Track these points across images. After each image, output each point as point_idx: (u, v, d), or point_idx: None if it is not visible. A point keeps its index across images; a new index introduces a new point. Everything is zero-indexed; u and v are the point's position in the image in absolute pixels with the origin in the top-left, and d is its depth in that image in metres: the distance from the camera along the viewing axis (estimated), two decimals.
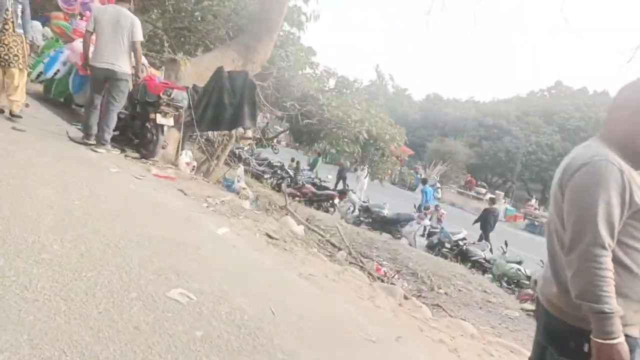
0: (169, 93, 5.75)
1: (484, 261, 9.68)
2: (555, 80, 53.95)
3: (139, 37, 5.21)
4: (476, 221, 13.01)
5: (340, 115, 8.87)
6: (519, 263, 9.55)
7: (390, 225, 11.86)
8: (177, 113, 5.95)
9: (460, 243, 10.30)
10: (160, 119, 5.66)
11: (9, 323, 2.00)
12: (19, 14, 4.95)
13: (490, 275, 9.16)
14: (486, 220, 12.77)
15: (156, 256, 3.00)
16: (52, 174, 3.92)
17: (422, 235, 12.35)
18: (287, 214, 6.07)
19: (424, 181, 18.31)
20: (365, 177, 15.09)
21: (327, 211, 12.31)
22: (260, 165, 15.13)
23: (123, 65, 5.17)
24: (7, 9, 4.82)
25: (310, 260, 3.97)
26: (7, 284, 2.28)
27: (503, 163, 40.03)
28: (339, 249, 5.24)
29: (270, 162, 16.59)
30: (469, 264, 9.60)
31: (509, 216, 24.09)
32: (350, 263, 4.58)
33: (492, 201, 14.57)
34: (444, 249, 10.16)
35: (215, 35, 10.20)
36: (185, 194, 4.67)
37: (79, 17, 8.04)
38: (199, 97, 6.85)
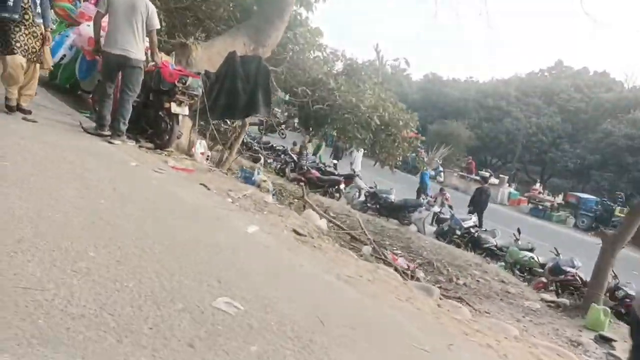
0: (184, 81, 5.53)
1: (495, 249, 9.64)
2: (556, 60, 53.31)
3: (156, 24, 4.97)
4: (471, 202, 13.04)
5: (353, 101, 8.66)
6: (531, 250, 9.52)
7: (398, 211, 11.77)
8: (192, 101, 5.74)
9: (472, 230, 10.23)
10: (175, 108, 5.46)
11: (60, 344, 1.86)
12: (37, 1, 4.60)
13: (503, 263, 9.13)
14: (479, 199, 12.81)
15: (194, 261, 2.87)
16: (72, 171, 3.75)
17: (431, 223, 12.29)
18: (305, 206, 5.93)
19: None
20: (359, 153, 14.85)
21: (332, 197, 12.19)
22: (263, 149, 14.93)
23: (138, 52, 4.93)
24: None
25: (341, 258, 3.85)
26: (49, 298, 2.14)
27: (503, 145, 39.86)
28: (363, 243, 5.13)
29: (273, 146, 16.38)
30: (481, 252, 9.56)
31: (512, 200, 23.94)
32: (377, 258, 4.48)
33: (484, 180, 14.55)
34: (455, 237, 10.09)
35: (219, 16, 9.85)
36: (208, 189, 4.52)
37: None
38: (211, 83, 6.62)
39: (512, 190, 25.01)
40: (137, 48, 4.91)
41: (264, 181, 5.79)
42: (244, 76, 6.81)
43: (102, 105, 4.99)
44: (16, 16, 4.40)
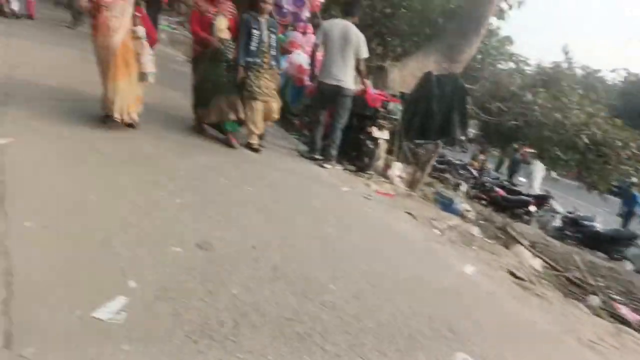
0: (386, 106, 5.64)
1: None
2: None
3: (365, 53, 5.17)
4: None
5: (557, 117, 7.74)
6: None
7: (607, 243, 10.00)
8: (391, 126, 5.82)
9: None
10: (376, 132, 5.61)
11: None
12: (274, 44, 4.84)
13: None
14: None
15: (423, 304, 2.85)
16: (299, 197, 4.10)
17: None
18: (508, 238, 5.48)
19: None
20: (537, 167, 13.05)
21: (520, 219, 11.00)
22: (440, 163, 14.36)
23: (349, 81, 5.20)
24: (263, 41, 4.73)
25: (572, 313, 3.39)
26: (307, 331, 2.31)
27: None
28: (584, 290, 4.48)
29: (450, 160, 15.63)
30: None
31: None
32: (608, 313, 3.84)
33: None
34: None
35: (402, 32, 9.85)
36: (414, 218, 4.50)
37: (291, 29, 8.52)
38: (407, 105, 6.63)
39: None
40: (348, 77, 5.19)
41: (468, 211, 5.54)
42: (440, 97, 6.65)
43: (315, 131, 5.41)
44: (258, 60, 4.74)
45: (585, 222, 10.20)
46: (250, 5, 4.76)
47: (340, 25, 5.26)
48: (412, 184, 6.29)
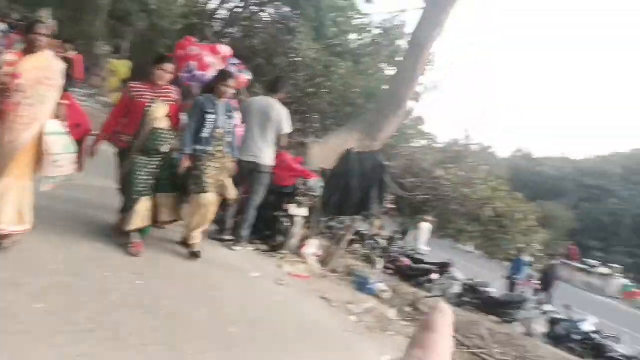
0: (306, 182, 5.46)
1: (624, 359, 8.02)
2: None
3: (287, 129, 4.99)
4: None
5: (466, 192, 8.18)
6: None
7: (501, 307, 10.48)
8: (311, 202, 5.62)
9: (592, 336, 8.70)
10: (293, 210, 5.35)
11: None
12: (230, 129, 4.20)
13: None
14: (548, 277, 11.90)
15: None
16: (199, 289, 3.58)
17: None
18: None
19: None
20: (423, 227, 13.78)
21: (423, 287, 11.14)
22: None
23: (266, 158, 4.93)
24: (217, 127, 4.05)
25: None
26: None
27: (605, 228, 35.79)
28: None
29: (358, 230, 15.80)
30: None
31: (626, 292, 20.73)
32: None
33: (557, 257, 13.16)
34: (573, 343, 8.61)
35: (333, 111, 10.10)
36: (329, 303, 4.18)
37: None
38: (326, 181, 6.53)
39: (626, 282, 21.72)
40: (266, 154, 4.91)
41: (384, 291, 5.34)
42: (360, 173, 6.64)
43: (226, 210, 4.96)
44: (210, 149, 4.04)
45: (482, 289, 10.63)
46: (208, 88, 4.24)
47: (261, 102, 5.05)
48: (326, 260, 6.04)
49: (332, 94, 10.01)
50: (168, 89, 3.91)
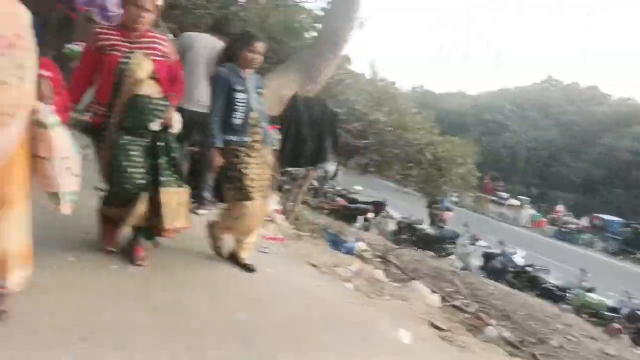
0: None
1: (556, 289, 9.05)
2: (547, 74, 53.47)
3: None
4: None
5: (408, 137, 8.12)
6: (590, 291, 8.98)
7: (435, 243, 11.17)
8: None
9: (526, 269, 9.65)
10: None
11: None
12: (264, 111, 3.31)
13: (567, 306, 8.54)
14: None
15: None
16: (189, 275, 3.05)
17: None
18: (388, 265, 5.30)
19: None
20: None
21: (358, 224, 11.36)
22: (281, 175, 14.13)
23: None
24: (251, 109, 3.14)
25: None
26: None
27: (503, 160, 39.19)
28: (485, 323, 4.52)
29: (289, 171, 15.56)
30: (538, 293, 8.99)
31: (534, 221, 22.77)
32: (510, 345, 3.89)
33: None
34: (509, 276, 9.49)
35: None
36: (318, 270, 3.88)
37: None
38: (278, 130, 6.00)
39: (534, 212, 24.21)
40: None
41: (365, 251, 5.14)
42: (309, 121, 6.22)
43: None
44: (247, 140, 3.15)
45: (417, 226, 11.20)
46: (227, 55, 3.20)
47: (207, 40, 4.28)
48: (289, 216, 5.70)
49: (249, 24, 8.94)
50: (153, 37, 2.77)
